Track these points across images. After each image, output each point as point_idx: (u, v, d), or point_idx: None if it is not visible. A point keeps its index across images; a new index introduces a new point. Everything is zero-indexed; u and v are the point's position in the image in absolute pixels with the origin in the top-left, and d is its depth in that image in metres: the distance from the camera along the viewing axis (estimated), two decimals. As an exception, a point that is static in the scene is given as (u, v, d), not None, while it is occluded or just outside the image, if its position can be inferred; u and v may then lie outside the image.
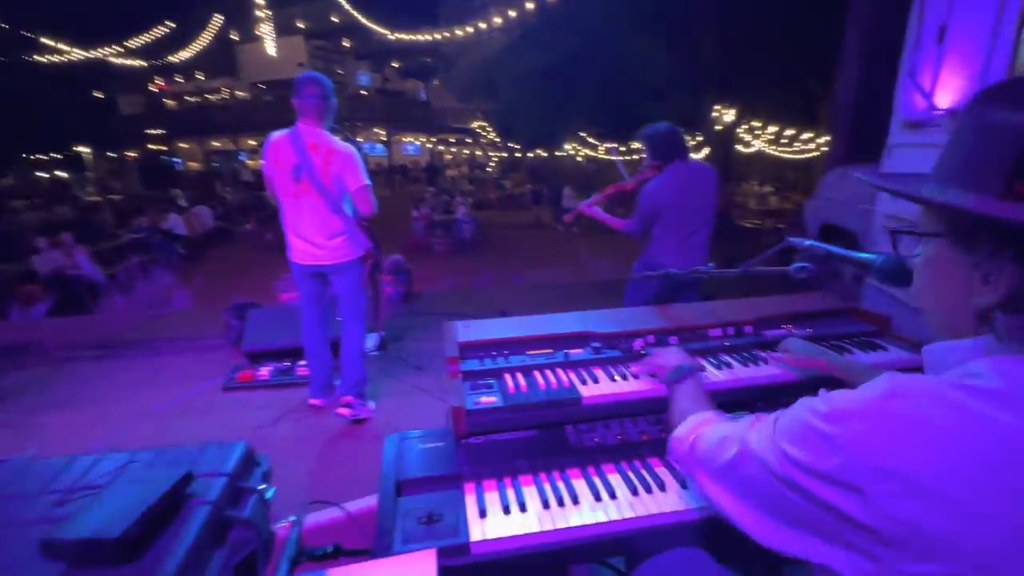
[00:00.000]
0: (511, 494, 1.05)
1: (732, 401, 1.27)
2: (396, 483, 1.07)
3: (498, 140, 23.91)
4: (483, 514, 0.99)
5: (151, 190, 16.92)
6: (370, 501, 1.75)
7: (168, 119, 25.17)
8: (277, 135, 2.50)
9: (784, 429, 0.58)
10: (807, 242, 1.18)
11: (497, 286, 6.61)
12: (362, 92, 24.78)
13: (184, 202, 12.93)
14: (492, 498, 1.04)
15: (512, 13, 11.52)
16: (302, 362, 3.30)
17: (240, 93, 25.54)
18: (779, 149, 15.31)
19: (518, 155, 24.47)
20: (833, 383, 1.22)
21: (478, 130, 25.20)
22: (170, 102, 26.94)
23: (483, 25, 12.45)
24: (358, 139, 22.51)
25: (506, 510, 1.00)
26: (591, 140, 19.26)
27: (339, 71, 24.84)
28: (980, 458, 0.44)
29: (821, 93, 11.08)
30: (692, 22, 11.11)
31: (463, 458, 1.12)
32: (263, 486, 0.96)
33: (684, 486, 1.05)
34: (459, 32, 13.21)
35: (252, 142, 23.96)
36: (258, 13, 17.41)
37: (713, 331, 1.48)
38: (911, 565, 0.45)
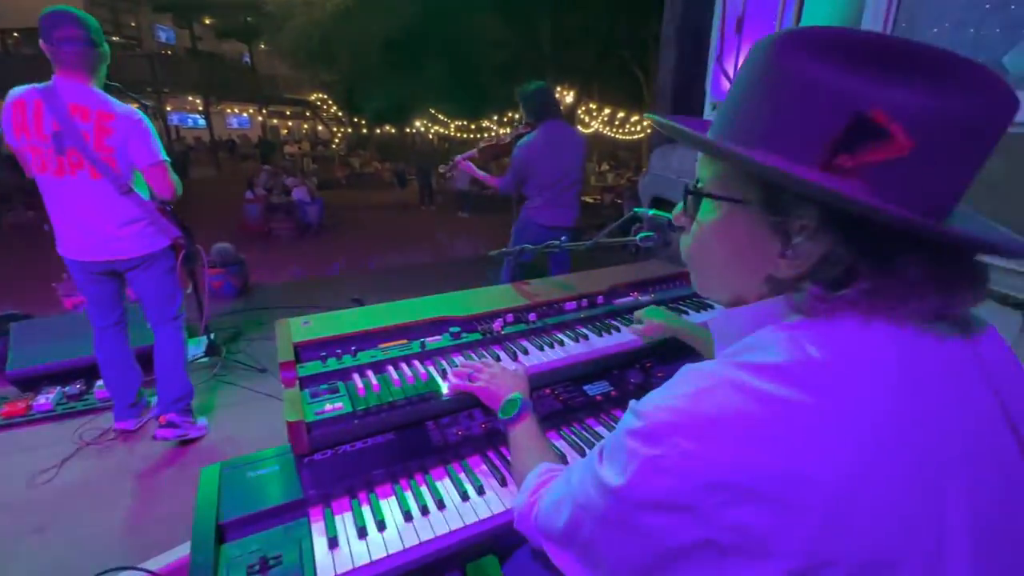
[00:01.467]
0: (367, 512, 0.91)
1: (591, 372, 1.30)
2: (217, 527, 0.86)
3: (341, 114, 22.20)
4: (334, 543, 0.85)
5: None
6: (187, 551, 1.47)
7: None
8: (20, 92, 1.87)
9: (609, 461, 0.51)
10: (651, 212, 1.23)
11: (351, 273, 6.14)
12: (167, 52, 20.80)
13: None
14: (345, 521, 0.90)
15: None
16: (101, 381, 2.66)
17: (-17, 43, 19.60)
18: (613, 130, 16.78)
19: (365, 131, 23.01)
20: (684, 348, 1.31)
21: (318, 102, 23.04)
22: None
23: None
24: (167, 108, 19.03)
25: (362, 532, 0.87)
26: (441, 117, 18.94)
27: (131, 24, 20.49)
28: (783, 445, 0.41)
29: (645, 79, 12.35)
30: (527, 1, 11.42)
31: (307, 480, 0.95)
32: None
33: (552, 467, 1.02)
34: (284, -12, 11.71)
35: (10, 107, 18.63)
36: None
37: (569, 304, 1.49)
38: (748, 569, 0.43)
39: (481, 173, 2.85)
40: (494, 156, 2.90)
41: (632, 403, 0.52)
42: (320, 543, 0.85)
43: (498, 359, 1.24)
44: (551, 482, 0.72)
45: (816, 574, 0.40)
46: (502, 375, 1.11)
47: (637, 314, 1.33)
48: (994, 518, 0.43)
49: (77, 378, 2.78)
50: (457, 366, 1.19)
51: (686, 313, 1.52)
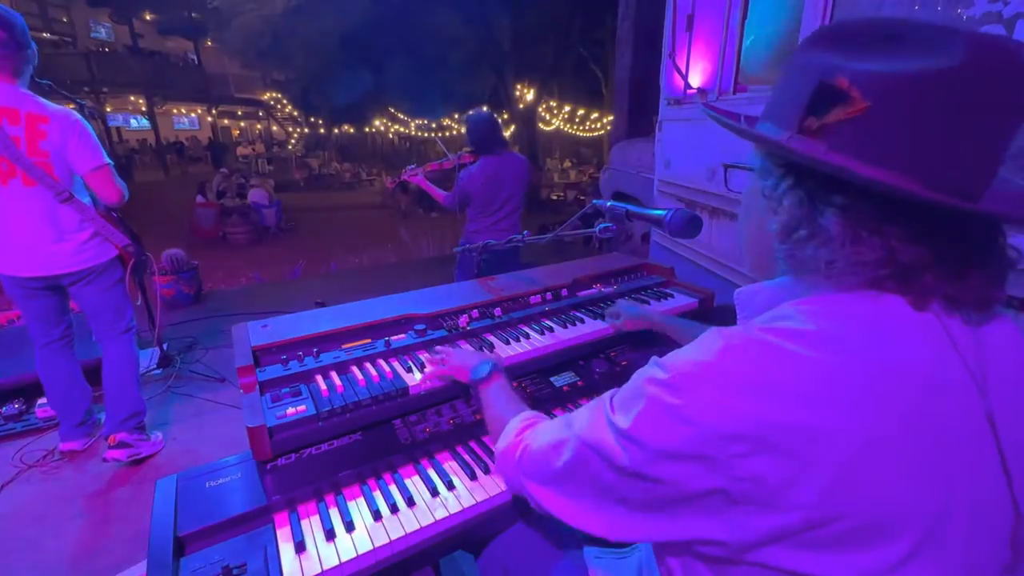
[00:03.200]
0: (335, 514, 0.90)
1: (557, 363, 1.32)
2: (176, 540, 0.82)
3: (297, 114, 21.55)
4: (301, 548, 0.83)
5: None
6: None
7: None
8: None
9: (624, 410, 0.53)
10: (609, 203, 1.25)
11: (312, 276, 5.99)
12: (105, 50, 19.63)
13: None
14: (312, 524, 0.88)
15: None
16: (43, 400, 2.50)
17: None
18: (574, 127, 16.97)
19: (322, 131, 22.42)
20: (647, 338, 1.35)
21: (271, 102, 22.26)
22: None
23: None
24: (107, 109, 17.96)
25: (330, 535, 0.85)
26: (401, 116, 18.67)
27: (63, 19, 19.23)
28: (803, 399, 0.43)
29: (603, 77, 12.54)
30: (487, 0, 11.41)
31: (270, 486, 0.92)
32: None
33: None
34: (230, -16, 11.24)
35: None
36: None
37: (534, 298, 1.50)
38: (758, 519, 0.44)
39: (428, 185, 2.93)
40: (437, 179, 2.98)
41: (654, 357, 0.54)
42: (286, 549, 0.83)
43: (476, 351, 1.23)
44: (538, 425, 0.73)
45: (824, 526, 0.42)
46: (470, 352, 1.13)
47: (613, 309, 1.36)
48: (984, 514, 0.45)
49: (14, 397, 2.60)
50: (423, 364, 1.18)
51: (647, 303, 1.56)
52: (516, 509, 0.95)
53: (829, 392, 0.43)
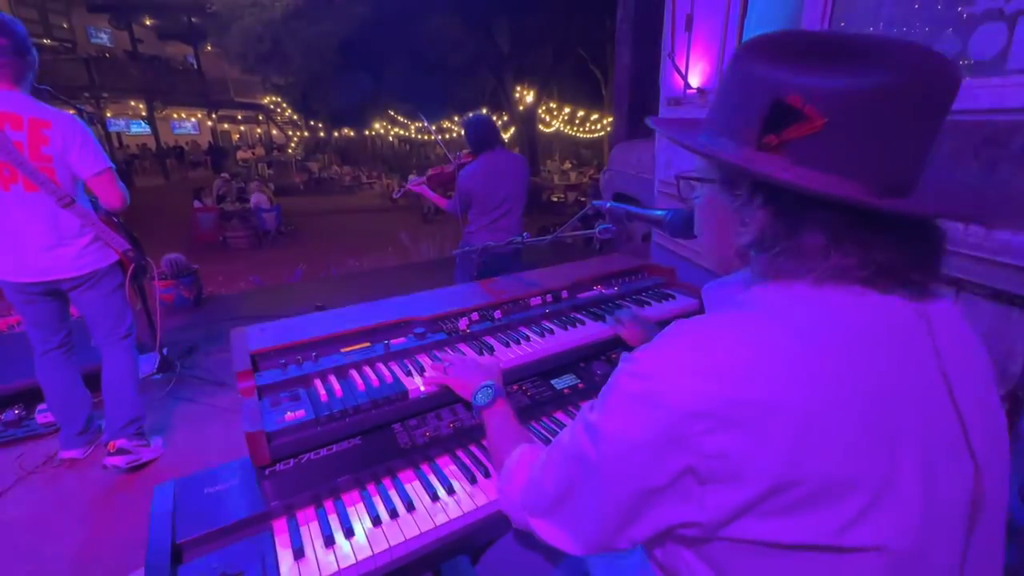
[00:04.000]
0: (334, 520, 0.89)
1: (558, 366, 1.31)
2: (174, 547, 0.81)
3: (297, 118, 21.60)
4: (300, 554, 0.82)
5: None
6: None
7: None
8: None
9: (599, 407, 0.56)
10: (608, 204, 1.24)
11: (312, 280, 5.98)
12: (105, 55, 19.68)
13: None
14: (311, 530, 0.87)
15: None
16: (43, 406, 2.49)
17: None
18: (574, 129, 16.99)
19: (322, 134, 22.45)
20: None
21: (271, 106, 22.32)
22: None
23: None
24: (107, 114, 18.02)
25: (329, 541, 0.84)
26: (401, 119, 18.70)
27: (63, 25, 19.28)
28: (753, 375, 0.47)
29: (602, 78, 12.56)
30: (484, 2, 11.43)
31: (269, 491, 0.91)
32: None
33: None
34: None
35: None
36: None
37: (534, 300, 1.50)
38: (725, 494, 0.47)
39: (432, 194, 2.99)
40: (439, 184, 3.05)
41: (624, 354, 0.58)
42: (285, 555, 0.82)
43: (479, 363, 1.22)
44: (534, 462, 0.74)
45: (783, 493, 0.45)
46: (474, 365, 1.11)
47: (619, 315, 1.37)
48: (944, 466, 0.48)
49: (15, 403, 2.59)
50: (423, 367, 1.17)
51: (649, 304, 1.55)
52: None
53: (775, 367, 0.47)
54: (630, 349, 1.39)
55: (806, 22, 1.74)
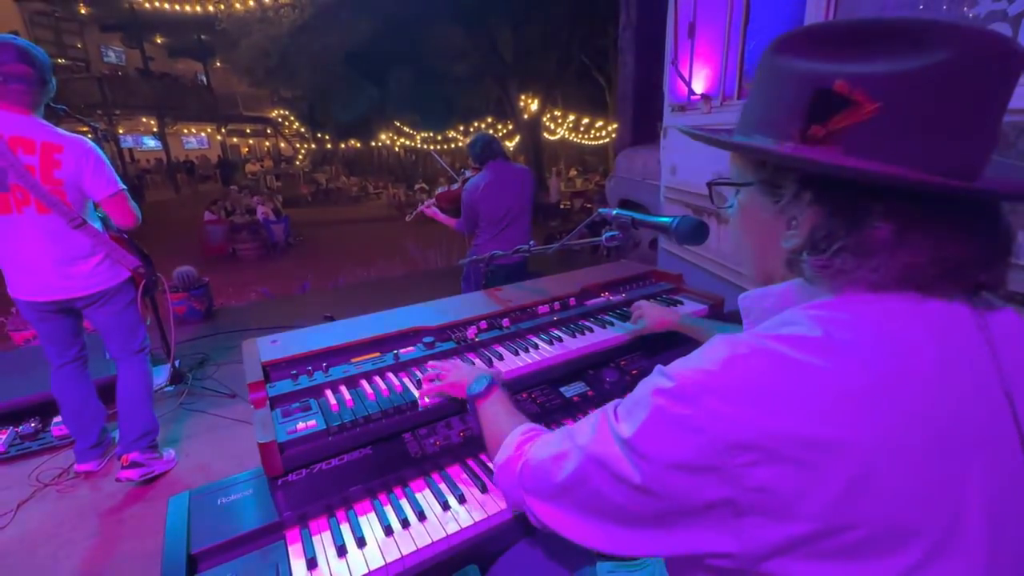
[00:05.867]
0: (346, 529, 0.89)
1: (567, 373, 1.31)
2: (188, 558, 0.82)
3: (304, 130, 21.87)
4: (313, 564, 0.82)
5: None
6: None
7: None
8: None
9: (629, 420, 0.51)
10: (614, 211, 1.25)
11: (321, 291, 6.03)
12: (117, 73, 20.11)
13: None
14: (323, 540, 0.88)
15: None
16: (59, 418, 2.52)
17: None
18: (579, 136, 17.05)
19: (329, 146, 22.71)
20: (674, 342, 1.34)
21: (279, 119, 22.65)
22: None
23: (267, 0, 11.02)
24: (119, 130, 18.35)
25: (341, 551, 0.85)
26: (407, 129, 18.88)
27: (77, 44, 19.73)
28: (813, 411, 0.42)
29: (606, 85, 12.61)
30: (487, 13, 11.56)
31: (282, 502, 0.92)
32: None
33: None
34: (238, 5, 11.44)
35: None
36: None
37: (542, 308, 1.50)
38: (768, 530, 0.44)
39: (443, 217, 3.09)
40: (449, 202, 3.14)
41: (659, 367, 0.53)
42: (298, 565, 0.82)
43: (473, 366, 1.23)
44: (538, 438, 0.71)
45: (836, 535, 0.41)
46: (457, 366, 1.11)
47: (638, 311, 1.37)
48: (1008, 504, 0.44)
49: (31, 416, 2.63)
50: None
51: (656, 310, 1.55)
52: (524, 524, 0.94)
53: (837, 403, 0.42)
54: (640, 354, 1.39)
55: (808, 20, 1.74)
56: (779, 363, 0.45)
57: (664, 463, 0.47)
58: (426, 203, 3.18)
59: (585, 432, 0.58)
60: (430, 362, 1.22)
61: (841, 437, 0.41)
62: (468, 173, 3.05)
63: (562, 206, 12.31)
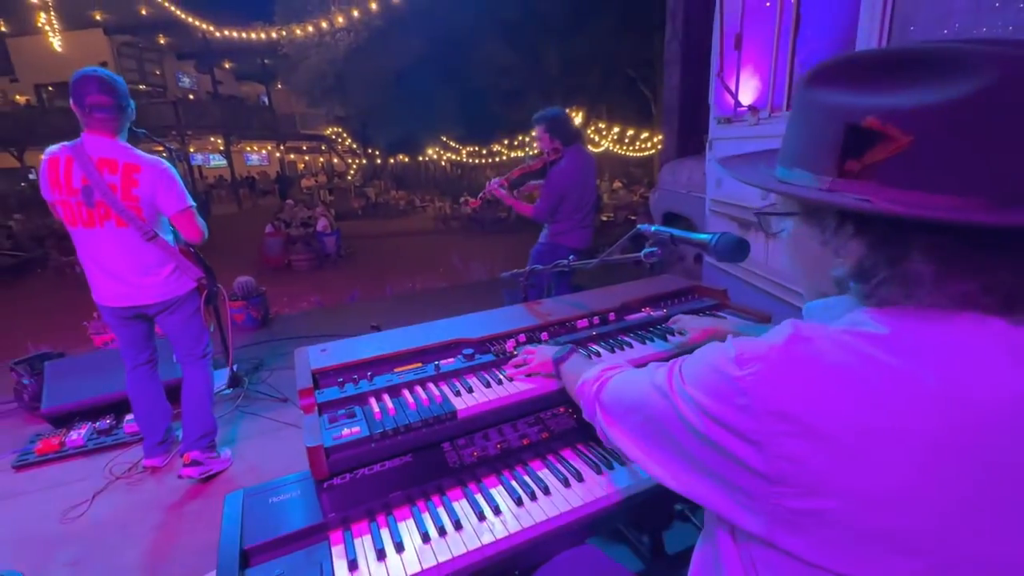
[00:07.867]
0: (385, 534, 0.93)
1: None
2: (241, 552, 0.88)
3: (356, 146, 22.84)
4: (354, 566, 0.86)
5: None
6: None
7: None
8: (54, 151, 1.97)
9: (690, 373, 0.58)
10: (653, 227, 1.24)
11: (369, 301, 6.24)
12: (189, 97, 21.81)
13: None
14: (364, 543, 0.92)
15: (356, 13, 10.98)
16: (131, 416, 2.74)
17: (20, 97, 20.82)
18: (623, 148, 16.89)
19: (379, 161, 23.59)
20: None
21: (333, 136, 23.76)
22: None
23: (324, 24, 11.67)
24: (190, 149, 19.81)
25: (380, 555, 0.88)
26: (453, 144, 19.34)
27: (156, 72, 21.57)
28: (866, 399, 0.44)
29: (652, 97, 12.49)
30: (534, 29, 11.74)
31: (327, 504, 0.97)
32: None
33: (567, 485, 1.02)
34: (298, 31, 12.19)
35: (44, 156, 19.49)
36: (32, 0, 14.11)
37: (581, 322, 1.50)
38: (794, 501, 0.46)
39: (513, 200, 2.88)
40: (524, 181, 2.96)
41: (730, 336, 0.57)
42: (340, 566, 0.86)
43: (511, 381, 1.25)
44: (619, 369, 0.83)
45: (855, 523, 0.43)
46: (545, 346, 1.24)
47: (679, 325, 1.37)
48: None
49: (107, 413, 2.86)
50: (471, 388, 1.21)
51: (698, 326, 1.52)
52: (567, 536, 0.95)
53: (896, 397, 0.44)
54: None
55: (860, 37, 1.68)
56: (842, 349, 0.47)
57: (710, 415, 0.52)
58: (493, 183, 2.90)
59: (659, 373, 0.64)
60: (520, 349, 1.31)
61: (890, 427, 0.43)
62: (550, 153, 2.76)
63: (605, 218, 12.20)
